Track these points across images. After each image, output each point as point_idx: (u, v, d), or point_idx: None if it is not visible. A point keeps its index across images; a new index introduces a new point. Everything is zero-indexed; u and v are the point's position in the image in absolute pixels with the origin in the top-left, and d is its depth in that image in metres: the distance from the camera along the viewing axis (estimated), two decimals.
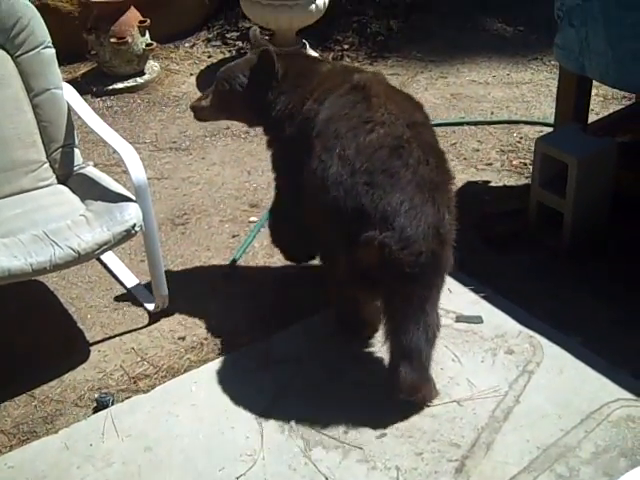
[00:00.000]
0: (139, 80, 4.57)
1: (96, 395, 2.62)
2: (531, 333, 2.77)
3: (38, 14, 2.94)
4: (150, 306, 2.98)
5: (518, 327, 2.80)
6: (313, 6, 4.52)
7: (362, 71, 2.89)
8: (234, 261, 3.24)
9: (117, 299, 3.06)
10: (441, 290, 2.54)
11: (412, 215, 2.34)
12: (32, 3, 3.01)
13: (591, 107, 3.54)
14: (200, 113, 3.01)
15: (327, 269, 2.70)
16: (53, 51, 2.96)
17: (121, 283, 3.13)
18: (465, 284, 3.00)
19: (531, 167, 3.47)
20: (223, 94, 2.89)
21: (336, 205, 2.40)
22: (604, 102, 4.22)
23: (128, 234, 2.67)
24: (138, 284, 3.10)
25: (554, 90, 3.54)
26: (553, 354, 2.68)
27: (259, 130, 4.12)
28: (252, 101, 2.83)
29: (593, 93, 3.54)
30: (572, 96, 3.30)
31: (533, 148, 3.30)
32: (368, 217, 2.35)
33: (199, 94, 4.48)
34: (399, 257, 2.32)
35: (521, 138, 3.98)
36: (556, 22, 3.07)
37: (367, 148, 2.42)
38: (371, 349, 2.74)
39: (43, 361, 2.77)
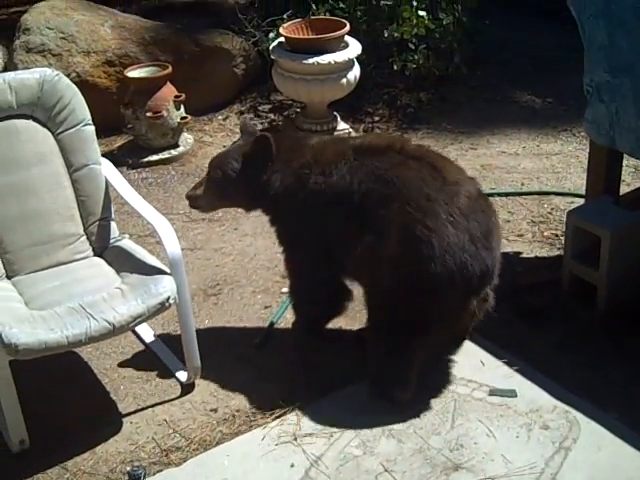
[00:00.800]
0: (173, 152, 4.67)
1: (128, 468, 2.61)
2: (567, 408, 2.73)
3: (79, 93, 3.04)
4: (182, 377, 2.98)
5: (553, 401, 2.76)
6: (344, 80, 4.61)
7: (356, 137, 3.00)
8: (271, 324, 3.27)
9: (150, 370, 3.08)
10: None
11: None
12: (71, 80, 3.11)
13: (622, 178, 3.55)
14: (194, 202, 3.11)
15: (400, 327, 2.69)
16: (92, 128, 3.05)
17: (154, 354, 3.15)
18: (498, 357, 2.98)
19: (562, 238, 3.47)
20: (216, 181, 2.99)
21: (459, 270, 2.56)
22: (635, 173, 4.22)
23: (162, 307, 2.70)
24: (171, 355, 3.11)
25: (584, 161, 3.56)
26: (590, 430, 2.64)
27: None
28: (246, 185, 2.93)
29: (624, 164, 3.55)
30: (603, 168, 3.32)
31: (564, 219, 3.31)
32: (488, 276, 2.67)
33: None
34: (492, 302, 2.83)
35: (552, 209, 3.98)
36: (583, 94, 3.10)
37: (469, 212, 2.61)
38: (402, 423, 2.71)
39: (75, 432, 2.78)
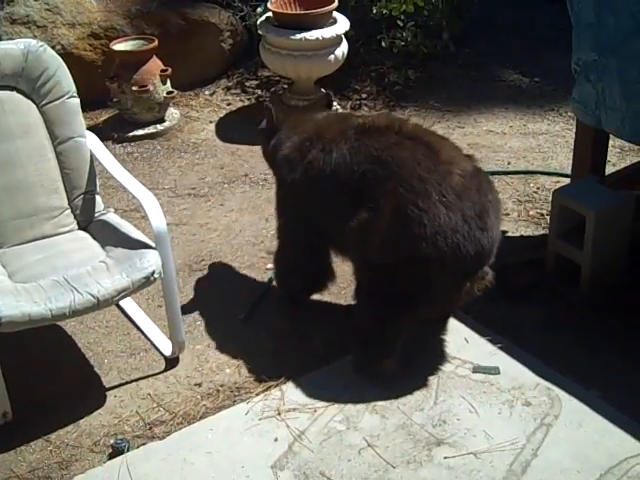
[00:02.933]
0: (159, 127, 4.64)
1: (112, 441, 2.62)
2: (549, 385, 2.75)
3: (64, 65, 3.00)
4: (167, 351, 2.98)
5: (536, 379, 2.78)
6: (332, 56, 4.58)
7: (359, 116, 3.07)
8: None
9: (134, 344, 3.07)
10: None
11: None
12: (56, 52, 3.08)
13: (608, 158, 3.56)
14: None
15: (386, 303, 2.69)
16: (77, 100, 3.02)
17: (138, 328, 3.15)
18: (482, 335, 2.99)
19: (548, 217, 3.48)
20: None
21: (451, 251, 2.54)
22: (621, 154, 4.23)
23: (147, 281, 2.69)
24: (155, 329, 3.11)
25: (571, 141, 3.57)
26: (572, 407, 2.66)
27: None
28: (264, 148, 3.23)
29: (610, 144, 3.56)
30: (589, 148, 3.32)
31: (550, 199, 3.32)
32: (484, 256, 2.64)
33: (218, 141, 4.58)
34: (491, 280, 2.74)
35: (538, 188, 3.99)
36: (572, 74, 3.10)
37: (462, 192, 2.59)
38: (386, 399, 2.73)
39: (59, 406, 2.78)
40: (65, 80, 2.99)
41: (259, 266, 3.52)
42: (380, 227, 2.63)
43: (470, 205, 2.59)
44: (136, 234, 2.89)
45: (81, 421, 2.72)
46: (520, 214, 3.79)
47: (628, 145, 4.21)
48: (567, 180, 3.70)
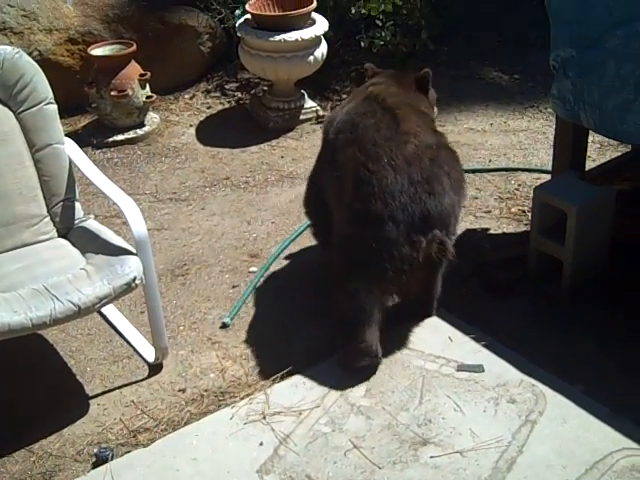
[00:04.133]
0: (139, 132, 4.62)
1: (95, 450, 2.60)
2: (533, 382, 2.75)
3: (40, 71, 2.98)
4: (150, 358, 2.97)
5: (520, 375, 2.79)
6: (311, 57, 4.58)
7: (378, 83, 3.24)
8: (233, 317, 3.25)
9: (117, 351, 3.05)
10: None
11: (458, 214, 2.91)
12: (33, 58, 3.06)
13: (588, 154, 3.58)
14: None
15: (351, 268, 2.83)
16: (55, 107, 3.00)
17: (121, 335, 3.13)
18: (466, 332, 2.99)
19: (530, 214, 3.48)
20: None
21: (397, 211, 2.72)
22: (601, 149, 4.25)
23: (129, 287, 2.68)
24: (138, 336, 3.09)
25: (551, 137, 3.57)
26: (556, 403, 2.67)
27: (259, 180, 4.19)
28: None
29: (590, 140, 3.57)
30: (569, 144, 3.33)
31: (531, 195, 3.32)
32: (432, 220, 2.74)
33: (199, 145, 4.56)
34: (450, 249, 2.80)
35: (519, 185, 4.00)
36: (550, 70, 3.11)
37: (414, 159, 2.78)
38: (371, 399, 2.72)
39: (42, 415, 2.76)
40: (42, 86, 2.97)
41: (242, 269, 3.51)
42: (345, 194, 2.84)
43: (418, 171, 2.76)
44: (117, 240, 2.87)
45: (64, 430, 2.70)
46: (502, 211, 3.80)
47: (607, 140, 4.23)
48: (548, 176, 3.71)
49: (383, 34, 4.91)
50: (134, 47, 4.58)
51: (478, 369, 2.83)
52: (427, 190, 2.75)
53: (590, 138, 3.55)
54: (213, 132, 4.70)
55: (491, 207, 3.83)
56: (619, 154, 4.02)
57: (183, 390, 2.85)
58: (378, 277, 2.77)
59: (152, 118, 4.75)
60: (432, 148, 2.85)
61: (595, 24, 2.83)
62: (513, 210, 3.80)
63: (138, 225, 2.76)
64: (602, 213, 3.14)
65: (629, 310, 3.09)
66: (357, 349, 2.79)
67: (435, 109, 3.39)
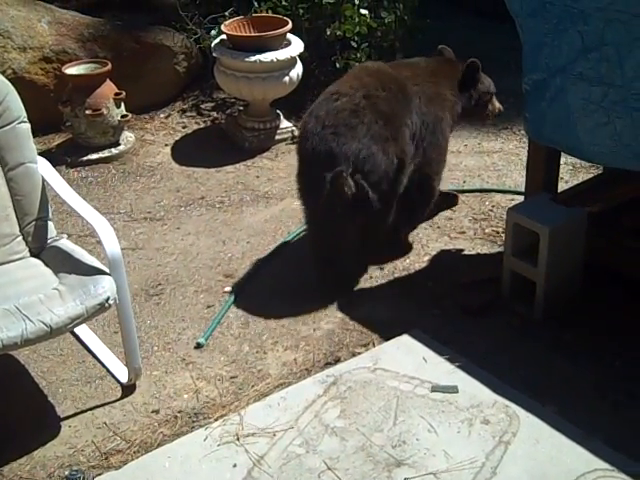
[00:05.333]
0: (114, 151, 4.60)
1: (66, 472, 2.56)
2: (507, 403, 2.76)
3: (13, 90, 2.96)
4: (123, 379, 2.94)
5: (494, 396, 2.79)
6: (287, 78, 4.60)
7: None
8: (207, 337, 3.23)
9: (89, 372, 3.02)
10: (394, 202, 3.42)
11: (380, 163, 3.27)
12: (7, 77, 3.04)
13: (561, 176, 3.61)
14: None
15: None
16: (28, 126, 2.98)
17: (94, 355, 3.10)
18: (440, 353, 3.00)
19: (503, 235, 3.51)
20: None
21: (312, 150, 3.28)
22: (573, 171, 4.29)
23: (102, 307, 2.66)
24: (111, 356, 3.07)
25: (524, 159, 3.61)
26: (529, 424, 2.67)
27: (234, 199, 4.19)
28: None
29: (562, 162, 3.61)
30: (542, 166, 3.36)
31: (505, 217, 3.35)
32: (335, 157, 3.20)
33: (174, 164, 4.56)
34: (347, 183, 3.18)
35: (493, 206, 4.03)
36: (524, 94, 3.14)
37: (333, 110, 3.32)
38: (345, 420, 2.71)
39: (12, 437, 2.72)
40: (15, 105, 2.95)
41: (216, 289, 3.50)
42: None
43: (331, 118, 3.28)
44: (90, 260, 2.85)
45: (35, 452, 2.66)
46: (476, 232, 3.82)
47: (580, 162, 4.28)
48: (522, 198, 3.73)
49: (358, 55, 4.94)
50: (109, 66, 4.57)
51: (452, 390, 2.83)
52: (334, 132, 3.24)
53: (563, 160, 3.59)
54: (188, 151, 4.70)
55: (465, 228, 3.85)
56: (591, 176, 4.07)
57: (156, 411, 2.83)
58: (312, 209, 3.40)
59: (127, 137, 4.73)
60: (358, 105, 3.31)
61: (567, 49, 2.87)
62: (487, 231, 3.82)
63: (111, 245, 2.74)
64: (574, 235, 3.17)
65: (601, 330, 3.12)
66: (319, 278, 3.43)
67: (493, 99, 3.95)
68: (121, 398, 2.89)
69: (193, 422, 2.77)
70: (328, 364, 3.03)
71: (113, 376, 2.98)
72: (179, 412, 2.82)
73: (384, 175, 3.28)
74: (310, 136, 3.30)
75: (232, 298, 3.41)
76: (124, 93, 4.58)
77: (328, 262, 3.40)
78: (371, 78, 3.51)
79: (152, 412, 2.83)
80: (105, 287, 2.67)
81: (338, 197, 3.17)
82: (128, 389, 2.92)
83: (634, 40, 2.66)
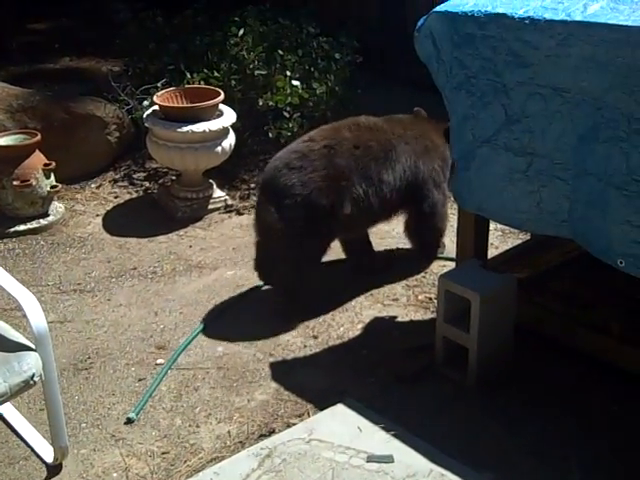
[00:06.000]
0: (42, 222, 4.53)
1: None
2: (442, 471, 2.74)
3: None
4: (49, 459, 2.83)
5: (430, 465, 2.77)
6: (219, 148, 4.62)
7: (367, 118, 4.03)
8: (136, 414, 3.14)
9: (13, 452, 2.90)
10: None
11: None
12: None
13: (491, 241, 3.67)
14: None
15: None
16: None
17: (18, 435, 2.98)
18: (376, 422, 2.97)
19: (436, 301, 3.53)
20: None
21: (262, 179, 3.85)
22: (503, 236, 4.37)
23: (26, 385, 2.57)
24: (36, 435, 2.95)
25: (455, 225, 3.66)
26: None
27: (166, 269, 4.15)
28: None
29: (492, 228, 3.68)
30: (471, 232, 3.42)
31: (437, 283, 3.38)
32: (273, 188, 3.64)
33: (105, 235, 4.50)
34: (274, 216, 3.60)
35: (426, 273, 4.07)
36: (452, 162, 3.21)
37: (290, 150, 3.75)
38: None
39: None
40: None
41: (148, 362, 3.42)
42: None
43: (286, 156, 3.71)
44: (14, 335, 2.76)
45: None
46: (409, 299, 3.84)
47: (508, 228, 4.36)
48: (453, 264, 3.78)
49: (290, 125, 5.00)
50: (38, 137, 4.53)
51: (388, 459, 2.80)
52: (279, 166, 3.66)
53: (492, 226, 3.66)
54: (120, 222, 4.65)
55: (399, 295, 3.87)
56: (520, 241, 4.15)
57: None
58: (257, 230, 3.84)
59: (57, 208, 4.67)
60: (313, 151, 3.66)
61: (491, 121, 2.95)
62: (420, 298, 3.85)
63: (37, 319, 2.67)
64: (505, 300, 3.21)
65: (534, 394, 3.14)
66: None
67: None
68: (46, 479, 2.78)
69: None
70: (262, 436, 2.97)
71: (38, 456, 2.87)
72: None
73: (305, 211, 3.57)
74: (267, 168, 3.80)
75: (164, 370, 3.34)
76: (54, 163, 4.53)
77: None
78: (351, 133, 3.79)
79: None
80: (30, 364, 2.59)
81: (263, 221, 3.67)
82: (54, 469, 2.81)
83: (554, 112, 2.75)
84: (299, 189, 3.57)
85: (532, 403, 3.10)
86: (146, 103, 5.01)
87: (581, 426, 2.98)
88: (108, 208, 4.80)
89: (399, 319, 3.69)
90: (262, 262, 3.87)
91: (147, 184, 5.06)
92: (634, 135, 2.55)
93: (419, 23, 3.10)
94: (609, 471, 2.77)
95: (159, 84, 5.06)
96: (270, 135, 5.05)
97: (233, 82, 5.01)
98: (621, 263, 2.65)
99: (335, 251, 4.27)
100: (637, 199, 2.58)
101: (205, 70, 5.02)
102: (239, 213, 4.72)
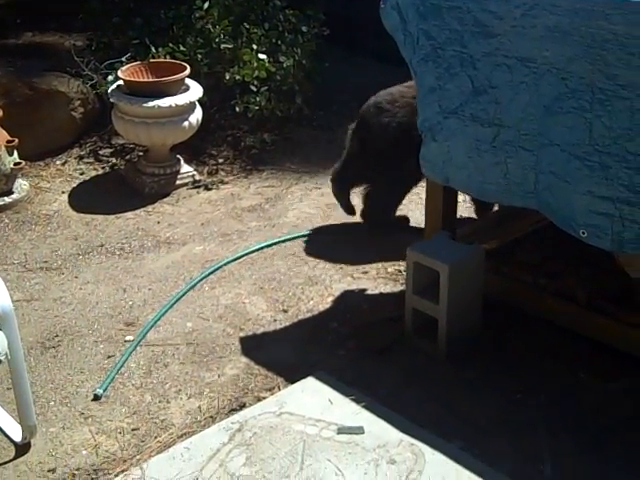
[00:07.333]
0: (7, 199, 4.46)
1: None
2: (412, 441, 2.76)
3: None
4: (17, 437, 2.81)
5: (400, 435, 2.79)
6: (186, 123, 4.57)
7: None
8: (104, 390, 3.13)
9: None
10: None
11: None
12: None
13: (459, 214, 3.68)
14: None
15: None
16: None
17: None
18: (346, 394, 2.98)
19: (406, 273, 3.54)
20: None
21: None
22: (471, 208, 4.38)
23: None
24: (4, 414, 2.93)
25: (424, 197, 3.67)
26: (435, 461, 2.68)
27: (134, 246, 4.12)
28: None
29: (460, 199, 3.68)
30: (440, 205, 3.42)
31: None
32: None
33: (71, 212, 4.45)
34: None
35: (395, 245, 4.06)
36: (420, 134, 3.20)
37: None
38: (250, 468, 2.66)
39: None
40: None
41: (117, 338, 3.40)
42: None
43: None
44: None
45: None
46: (379, 271, 3.85)
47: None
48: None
49: (258, 99, 4.97)
50: (0, 113, 4.45)
51: (358, 431, 2.82)
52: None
53: (460, 197, 3.67)
54: (87, 199, 4.60)
55: (368, 267, 3.88)
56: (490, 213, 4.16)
57: (53, 470, 2.71)
58: None
59: (21, 185, 4.60)
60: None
61: (458, 92, 2.94)
62: (390, 270, 3.86)
63: (1, 298, 2.63)
64: (473, 271, 3.23)
65: (503, 365, 3.17)
66: None
67: None
68: (15, 458, 2.76)
69: (92, 479, 2.66)
70: (233, 410, 2.97)
71: (6, 435, 2.84)
72: (77, 470, 2.71)
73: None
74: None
75: (133, 347, 3.32)
76: (17, 140, 4.45)
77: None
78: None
79: (48, 471, 2.70)
80: None
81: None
82: (22, 448, 2.79)
83: (520, 83, 2.75)
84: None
85: (501, 372, 3.13)
86: (111, 78, 4.93)
87: (549, 394, 3.01)
88: (74, 185, 4.74)
89: (369, 292, 3.70)
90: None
91: (113, 160, 5.00)
92: (597, 105, 2.56)
93: None
94: (577, 436, 2.81)
95: (124, 59, 4.98)
96: (237, 109, 5.01)
97: (199, 56, 4.95)
98: (583, 234, 2.67)
99: (305, 225, 4.27)
100: (599, 170, 2.60)
101: (170, 44, 4.95)
102: (207, 188, 4.69)
